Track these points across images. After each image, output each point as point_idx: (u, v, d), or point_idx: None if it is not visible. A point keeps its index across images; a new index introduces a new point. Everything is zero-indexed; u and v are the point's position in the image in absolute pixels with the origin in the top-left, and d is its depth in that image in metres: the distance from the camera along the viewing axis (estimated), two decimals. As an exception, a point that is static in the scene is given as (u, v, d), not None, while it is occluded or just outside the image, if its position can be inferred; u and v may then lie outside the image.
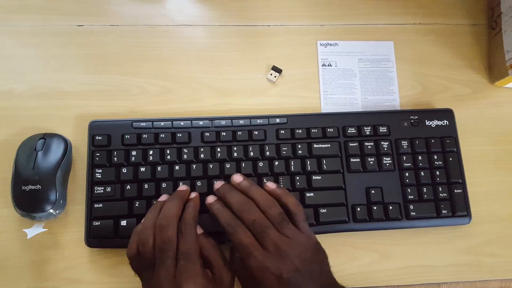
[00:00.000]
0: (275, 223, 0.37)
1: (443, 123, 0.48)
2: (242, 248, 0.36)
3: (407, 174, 0.46)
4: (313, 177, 0.45)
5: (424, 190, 0.46)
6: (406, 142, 0.47)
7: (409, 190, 0.45)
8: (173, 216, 0.37)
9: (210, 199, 0.40)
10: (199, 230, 0.39)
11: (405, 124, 0.48)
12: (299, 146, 0.46)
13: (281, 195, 0.39)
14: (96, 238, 0.42)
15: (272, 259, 0.35)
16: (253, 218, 0.37)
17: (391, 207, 0.45)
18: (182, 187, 0.42)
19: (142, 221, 0.38)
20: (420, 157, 0.47)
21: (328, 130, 0.47)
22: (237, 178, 0.41)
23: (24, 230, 0.44)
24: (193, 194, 0.41)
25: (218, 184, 0.41)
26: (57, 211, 0.43)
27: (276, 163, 0.45)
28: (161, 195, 0.42)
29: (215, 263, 0.37)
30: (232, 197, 0.39)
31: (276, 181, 0.45)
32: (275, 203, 0.38)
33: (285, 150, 0.45)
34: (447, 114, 0.49)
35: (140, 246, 0.36)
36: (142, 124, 0.46)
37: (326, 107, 0.50)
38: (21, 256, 0.43)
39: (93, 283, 0.43)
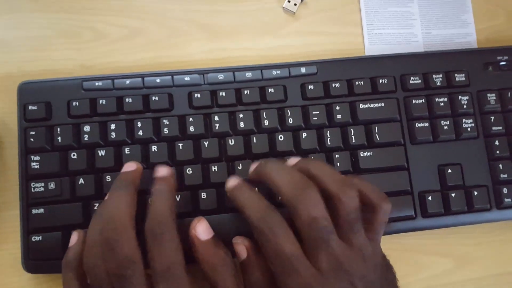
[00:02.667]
0: (344, 224, 0.25)
1: None
2: (280, 260, 0.25)
3: (497, 143, 0.34)
4: (361, 154, 0.33)
5: None
6: (493, 95, 0.35)
7: (500, 166, 0.34)
8: (123, 218, 0.25)
9: (233, 181, 0.28)
10: (208, 234, 0.27)
11: (490, 68, 0.35)
12: (337, 107, 0.33)
13: (351, 180, 0.27)
14: (37, 260, 0.30)
15: (325, 281, 0.24)
16: (313, 214, 0.25)
17: (476, 193, 0.33)
18: (128, 165, 0.28)
19: (86, 236, 0.26)
20: None
21: (380, 81, 0.34)
22: (292, 160, 0.29)
23: None
24: (162, 171, 0.28)
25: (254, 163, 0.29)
26: (-23, 222, 0.30)
27: (304, 135, 0.33)
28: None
29: (220, 286, 0.26)
30: (283, 175, 0.26)
31: None
32: (352, 189, 0.26)
33: (316, 114, 0.33)
34: None
35: (89, 277, 0.25)
36: (97, 84, 0.32)
37: (373, 48, 0.38)
38: None
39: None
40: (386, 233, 0.32)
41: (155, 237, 0.25)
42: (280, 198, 0.26)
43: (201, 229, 0.27)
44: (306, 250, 0.25)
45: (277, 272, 0.25)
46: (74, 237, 0.28)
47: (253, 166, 0.28)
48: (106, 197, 0.27)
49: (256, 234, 0.26)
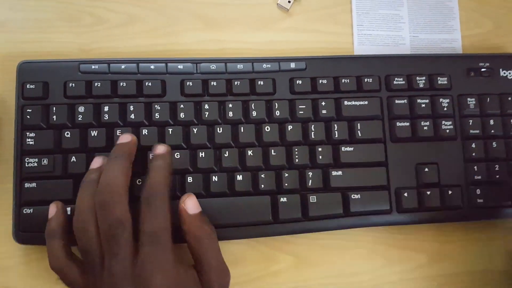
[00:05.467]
0: None
1: None
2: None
3: (473, 145, 0.35)
4: (342, 148, 0.34)
5: (496, 168, 0.35)
6: (473, 99, 0.35)
7: (475, 167, 0.35)
8: (119, 185, 0.27)
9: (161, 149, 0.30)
10: (196, 209, 0.29)
11: (472, 74, 0.36)
12: (323, 103, 0.34)
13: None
14: (28, 232, 0.31)
15: None
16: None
17: (450, 192, 0.34)
18: (123, 137, 0.30)
19: (76, 203, 0.28)
20: (491, 121, 0.35)
21: (365, 80, 0.35)
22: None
23: None
24: (162, 148, 0.30)
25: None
26: (-28, 193, 0.31)
27: (290, 127, 0.33)
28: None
29: (204, 259, 0.28)
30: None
31: (289, 153, 0.33)
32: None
33: (302, 108, 0.34)
34: None
35: (78, 240, 0.27)
36: (93, 67, 0.33)
37: (361, 48, 0.38)
38: None
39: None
40: (361, 226, 0.33)
41: (148, 203, 0.26)
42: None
43: (190, 204, 0.29)
44: None
45: None
46: (53, 209, 0.29)
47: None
48: (104, 166, 0.29)
49: None
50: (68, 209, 0.30)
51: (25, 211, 0.31)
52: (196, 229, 0.28)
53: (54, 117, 0.32)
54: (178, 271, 0.27)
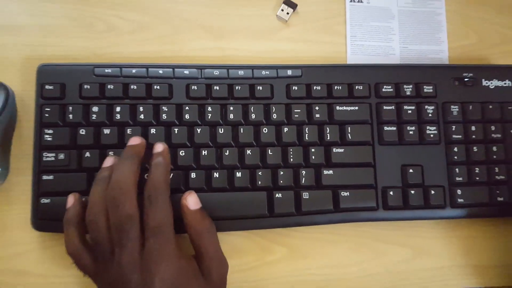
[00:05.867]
0: None
1: (505, 84, 0.39)
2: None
3: (455, 149, 0.37)
4: (334, 150, 0.36)
5: (476, 171, 0.37)
6: (456, 107, 0.38)
7: (457, 169, 0.36)
8: (128, 183, 0.29)
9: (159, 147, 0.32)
10: (196, 204, 0.32)
11: (456, 83, 0.38)
12: (317, 107, 0.36)
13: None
14: (45, 220, 0.34)
15: None
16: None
17: (433, 192, 0.36)
18: (133, 139, 0.32)
19: (89, 197, 0.30)
20: (473, 127, 0.37)
21: (356, 87, 0.37)
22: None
23: (-50, 207, 0.35)
24: (160, 147, 0.32)
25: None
26: (-5, 183, 0.34)
27: (285, 129, 0.36)
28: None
29: (204, 250, 0.30)
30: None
31: (284, 153, 0.35)
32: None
33: (297, 112, 0.36)
34: (510, 72, 0.39)
35: (90, 231, 0.29)
36: (107, 71, 0.36)
37: (354, 57, 0.41)
38: None
39: (44, 276, 0.35)
40: (350, 221, 0.35)
41: (151, 200, 0.29)
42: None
43: (191, 200, 0.31)
44: None
45: None
46: (71, 199, 0.32)
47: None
48: (114, 165, 0.31)
49: None
50: (84, 199, 0.32)
51: (43, 201, 0.33)
52: (197, 224, 0.31)
53: (70, 115, 0.34)
54: (180, 260, 0.29)
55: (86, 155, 0.34)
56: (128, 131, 0.34)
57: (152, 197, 0.29)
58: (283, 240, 0.36)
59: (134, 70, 0.35)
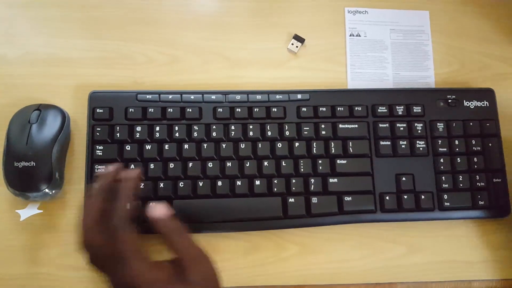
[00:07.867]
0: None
1: (483, 104, 0.44)
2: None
3: (442, 160, 0.42)
4: (338, 161, 0.41)
5: (460, 179, 0.42)
6: (441, 124, 0.43)
7: (443, 178, 0.41)
8: (94, 218, 0.31)
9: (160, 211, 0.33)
10: (163, 213, 0.32)
11: (441, 104, 0.44)
12: (323, 126, 0.42)
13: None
14: None
15: None
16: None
17: (423, 197, 0.41)
18: (129, 172, 0.34)
19: (84, 205, 0.34)
20: (456, 142, 0.42)
21: (356, 108, 0.42)
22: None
23: (17, 211, 0.40)
24: (132, 173, 0.34)
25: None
26: (53, 191, 0.40)
27: (297, 144, 0.41)
28: (167, 176, 0.38)
29: (180, 254, 0.31)
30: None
31: (296, 164, 0.41)
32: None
33: (306, 130, 0.41)
34: (488, 94, 0.44)
35: (85, 234, 0.32)
36: (148, 97, 0.41)
37: (353, 83, 0.46)
38: (13, 239, 0.40)
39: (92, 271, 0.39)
40: (353, 222, 0.40)
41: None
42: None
43: (157, 210, 0.32)
44: None
45: None
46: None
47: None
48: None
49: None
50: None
51: (94, 205, 0.39)
52: (164, 230, 0.31)
53: (118, 134, 0.40)
54: (163, 271, 0.29)
55: (131, 168, 0.39)
56: (166, 147, 0.40)
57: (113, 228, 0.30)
58: (295, 239, 0.41)
59: (170, 96, 0.41)
